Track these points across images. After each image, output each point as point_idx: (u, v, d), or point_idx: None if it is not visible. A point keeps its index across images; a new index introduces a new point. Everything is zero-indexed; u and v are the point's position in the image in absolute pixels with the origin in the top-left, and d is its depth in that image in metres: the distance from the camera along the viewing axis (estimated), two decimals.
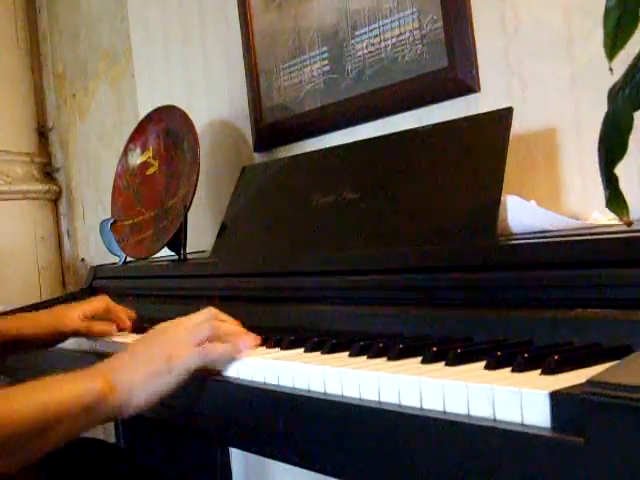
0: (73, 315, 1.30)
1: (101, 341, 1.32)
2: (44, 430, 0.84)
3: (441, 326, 0.94)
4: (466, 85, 1.42)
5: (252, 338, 0.99)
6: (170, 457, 1.81)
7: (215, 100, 2.10)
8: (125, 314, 1.36)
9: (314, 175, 1.42)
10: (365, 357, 0.86)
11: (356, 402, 0.76)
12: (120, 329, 1.33)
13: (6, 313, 1.71)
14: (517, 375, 0.69)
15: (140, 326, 1.31)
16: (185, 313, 1.01)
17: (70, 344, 1.36)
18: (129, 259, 1.91)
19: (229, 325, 0.99)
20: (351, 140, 1.49)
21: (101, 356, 1.08)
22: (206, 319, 0.98)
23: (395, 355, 0.83)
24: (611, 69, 0.65)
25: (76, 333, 1.30)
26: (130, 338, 1.24)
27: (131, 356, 0.95)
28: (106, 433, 2.36)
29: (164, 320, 1.01)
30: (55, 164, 3.04)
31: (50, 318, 1.31)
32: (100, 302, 1.35)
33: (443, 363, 0.77)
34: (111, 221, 1.96)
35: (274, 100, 1.87)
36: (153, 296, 1.61)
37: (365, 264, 1.13)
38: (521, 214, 1.11)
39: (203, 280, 1.49)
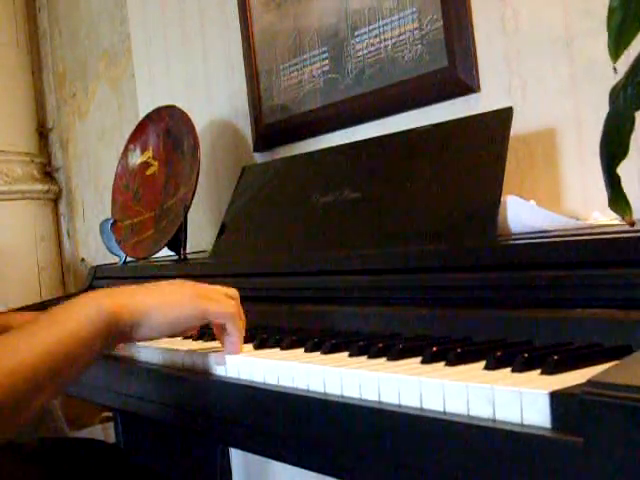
0: None
1: None
2: (56, 374, 0.80)
3: (441, 326, 0.94)
4: (466, 85, 1.42)
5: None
6: (170, 457, 1.81)
7: (215, 100, 2.10)
8: None
9: (314, 175, 1.42)
10: (365, 357, 0.86)
11: (356, 402, 0.76)
12: None
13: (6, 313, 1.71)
14: (517, 375, 0.69)
15: None
16: None
17: None
18: (129, 259, 1.91)
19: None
20: (351, 140, 1.49)
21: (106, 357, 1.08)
22: (236, 296, 0.98)
23: (395, 355, 0.83)
24: (615, 69, 0.65)
25: None
26: None
27: (151, 286, 0.93)
28: (106, 433, 2.36)
29: None
30: (55, 164, 3.04)
31: None
32: None
33: (443, 363, 0.77)
34: (111, 221, 1.96)
35: (274, 100, 1.87)
36: None
37: (365, 264, 1.13)
38: (521, 214, 1.11)
39: (203, 280, 1.48)
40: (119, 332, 0.87)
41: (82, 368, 0.85)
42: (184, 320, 0.92)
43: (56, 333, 0.82)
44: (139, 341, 0.94)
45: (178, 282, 0.95)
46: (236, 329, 0.96)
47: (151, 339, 0.94)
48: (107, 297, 0.87)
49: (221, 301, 0.94)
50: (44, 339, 0.81)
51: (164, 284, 0.95)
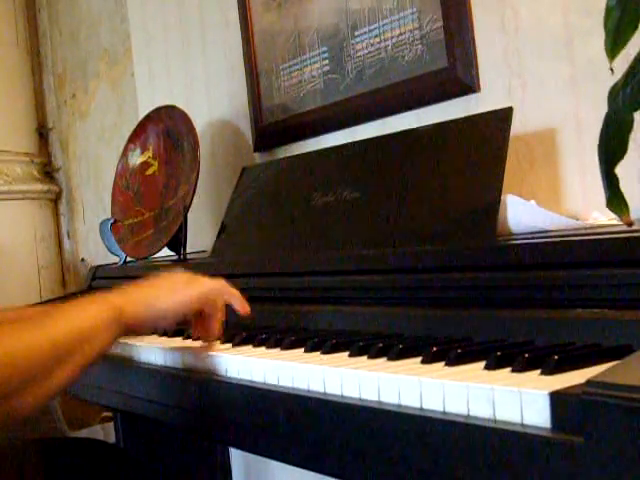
0: None
1: None
2: (58, 364, 0.84)
3: (441, 326, 0.94)
4: (466, 85, 1.42)
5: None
6: (170, 457, 1.81)
7: (215, 100, 2.10)
8: None
9: (314, 175, 1.41)
10: (365, 357, 0.86)
11: (356, 402, 0.76)
12: None
13: None
14: (517, 375, 0.69)
15: None
16: None
17: None
18: (129, 259, 1.91)
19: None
20: (351, 140, 1.49)
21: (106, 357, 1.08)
22: (220, 287, 1.05)
23: (395, 355, 0.83)
24: (612, 69, 0.65)
25: None
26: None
27: (150, 284, 1.01)
28: (106, 433, 2.36)
29: None
30: (55, 164, 3.04)
31: None
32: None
33: (443, 363, 0.77)
34: (111, 221, 1.96)
35: (274, 100, 1.87)
36: None
37: (365, 264, 1.13)
38: (521, 214, 1.11)
39: None
40: (127, 325, 0.94)
41: (92, 358, 0.90)
42: (184, 304, 1.00)
43: (71, 321, 0.88)
44: (146, 332, 1.02)
45: (175, 274, 1.04)
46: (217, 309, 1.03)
47: (157, 328, 1.02)
48: (116, 295, 0.96)
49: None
50: (53, 328, 0.85)
51: (162, 278, 1.03)
